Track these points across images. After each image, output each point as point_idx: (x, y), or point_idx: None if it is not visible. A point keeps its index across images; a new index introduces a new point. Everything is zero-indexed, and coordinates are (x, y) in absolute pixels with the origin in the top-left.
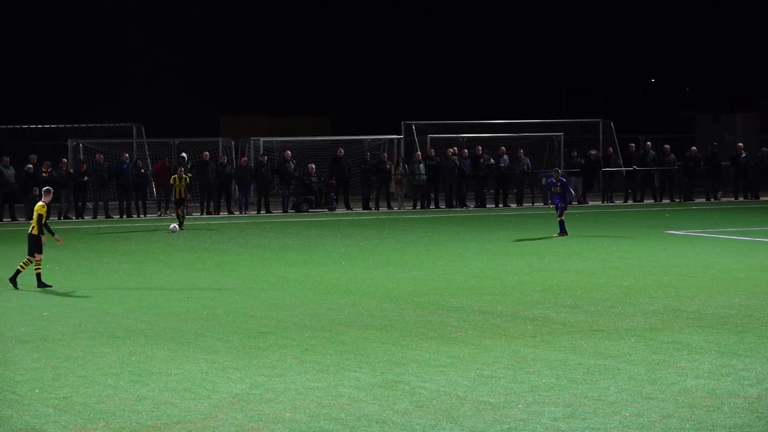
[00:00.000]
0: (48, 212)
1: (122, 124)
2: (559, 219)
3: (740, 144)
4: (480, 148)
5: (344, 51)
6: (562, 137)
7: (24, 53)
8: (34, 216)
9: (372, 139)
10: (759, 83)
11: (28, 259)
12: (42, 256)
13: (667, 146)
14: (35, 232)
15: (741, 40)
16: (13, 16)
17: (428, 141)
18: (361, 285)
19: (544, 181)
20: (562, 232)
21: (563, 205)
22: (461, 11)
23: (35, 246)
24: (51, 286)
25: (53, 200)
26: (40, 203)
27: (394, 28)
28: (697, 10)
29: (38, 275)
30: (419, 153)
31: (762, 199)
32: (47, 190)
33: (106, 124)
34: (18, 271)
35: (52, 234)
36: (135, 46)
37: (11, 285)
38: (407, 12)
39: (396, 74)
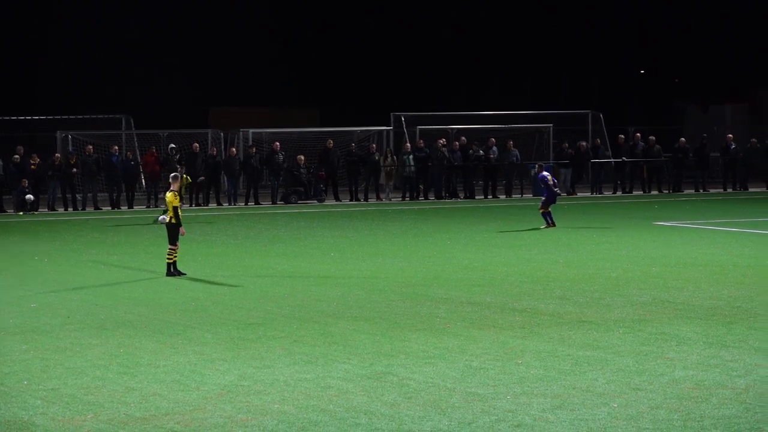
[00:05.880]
0: (181, 198)
1: (111, 116)
2: (540, 211)
3: (730, 135)
4: (464, 138)
5: (334, 42)
6: (551, 129)
7: (15, 46)
8: (169, 207)
9: (361, 131)
10: (749, 74)
11: (170, 248)
12: (177, 247)
13: (652, 138)
14: (173, 221)
15: (731, 31)
16: (3, 12)
17: (417, 132)
18: (350, 276)
19: (532, 172)
20: (550, 223)
21: (544, 198)
22: (452, 3)
23: (173, 235)
24: (185, 274)
25: (42, 191)
26: (170, 193)
27: (383, 20)
28: (687, 1)
29: (170, 264)
30: (408, 144)
31: (751, 190)
32: (175, 176)
33: (95, 116)
34: (168, 264)
35: (180, 224)
36: (124, 39)
37: (177, 276)
38: (397, 3)
39: (386, 65)
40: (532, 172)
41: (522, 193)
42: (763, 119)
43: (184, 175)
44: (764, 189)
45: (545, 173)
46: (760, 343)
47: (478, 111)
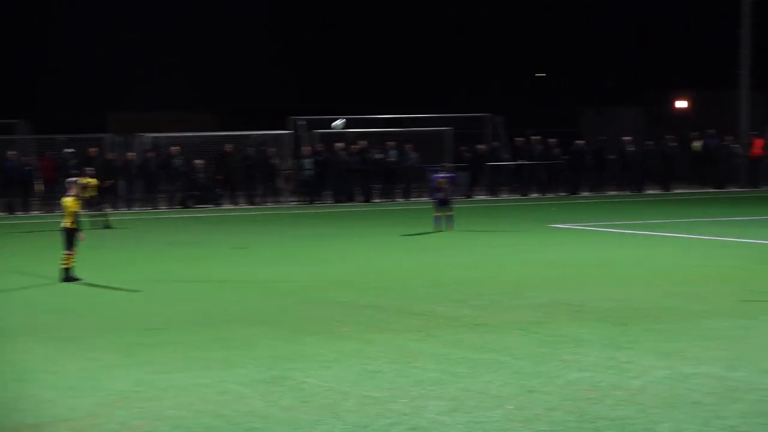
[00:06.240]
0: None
1: (7, 121)
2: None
3: (626, 138)
4: (363, 142)
5: (232, 46)
6: (451, 132)
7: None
8: (68, 212)
9: (259, 135)
10: (645, 78)
11: (66, 253)
12: (74, 252)
13: (551, 140)
14: (73, 226)
15: (627, 35)
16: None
17: (316, 136)
18: (247, 281)
19: (429, 176)
20: (435, 227)
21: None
22: (353, 5)
23: (69, 240)
24: (81, 279)
25: None
26: (70, 198)
27: (281, 21)
28: (584, 5)
29: (65, 269)
30: (307, 148)
31: (647, 192)
32: (74, 181)
33: None
34: (64, 269)
35: (80, 230)
36: (23, 42)
37: (72, 281)
38: (296, 5)
39: (284, 69)
40: (428, 176)
41: (420, 197)
42: (660, 122)
43: (91, 178)
44: (660, 191)
45: (438, 175)
46: (654, 344)
47: (368, 107)
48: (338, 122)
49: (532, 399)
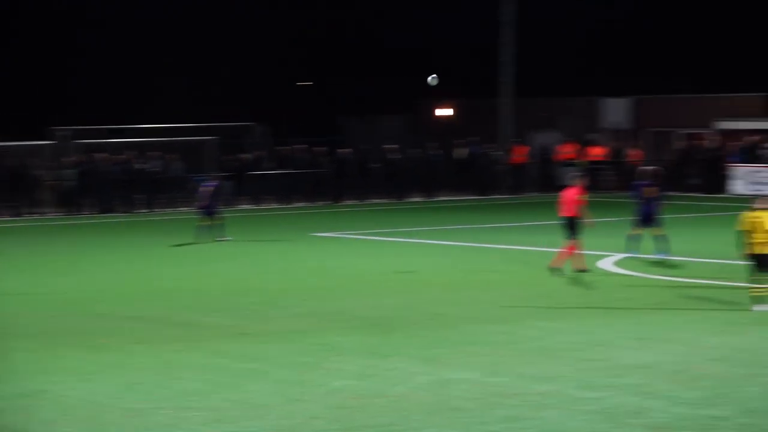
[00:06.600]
0: None
1: None
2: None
3: (390, 146)
4: (128, 152)
5: None
6: (216, 141)
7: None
8: None
9: (20, 146)
10: (409, 85)
11: None
12: None
13: (317, 149)
14: None
15: (390, 43)
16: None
17: (78, 146)
18: (7, 293)
19: (194, 185)
20: (197, 236)
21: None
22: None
23: None
24: None
25: None
26: None
27: (37, 29)
28: (350, 15)
29: None
30: (69, 158)
31: (411, 199)
32: None
33: None
34: None
35: None
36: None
37: None
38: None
39: (41, 78)
40: (192, 185)
41: (184, 206)
42: (425, 130)
43: None
44: (423, 198)
45: (202, 184)
46: (416, 351)
47: (134, 116)
48: (432, 77)
49: (295, 408)
